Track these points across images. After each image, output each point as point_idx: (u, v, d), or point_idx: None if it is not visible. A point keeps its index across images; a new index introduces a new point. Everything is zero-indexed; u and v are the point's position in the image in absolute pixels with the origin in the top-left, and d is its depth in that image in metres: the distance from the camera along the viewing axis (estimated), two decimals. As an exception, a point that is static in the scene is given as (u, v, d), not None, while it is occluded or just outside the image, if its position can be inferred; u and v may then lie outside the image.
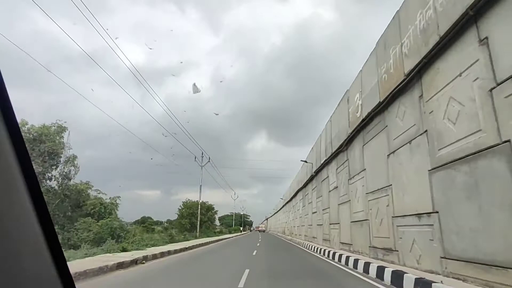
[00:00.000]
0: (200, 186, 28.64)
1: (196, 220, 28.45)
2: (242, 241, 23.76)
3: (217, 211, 36.15)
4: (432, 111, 5.37)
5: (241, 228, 65.45)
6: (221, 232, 41.75)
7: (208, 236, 27.04)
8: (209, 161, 28.62)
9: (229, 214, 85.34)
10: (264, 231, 69.65)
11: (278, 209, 49.54)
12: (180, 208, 31.86)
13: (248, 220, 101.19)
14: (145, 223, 28.08)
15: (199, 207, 28.24)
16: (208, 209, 33.99)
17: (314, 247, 14.08)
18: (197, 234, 24.35)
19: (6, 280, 0.54)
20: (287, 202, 34.17)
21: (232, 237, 33.24)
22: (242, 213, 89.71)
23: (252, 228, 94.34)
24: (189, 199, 32.68)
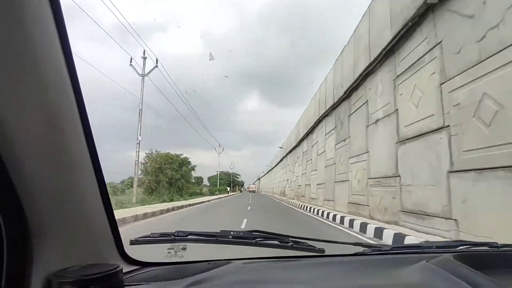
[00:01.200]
0: (140, 110, 15.62)
1: (165, 177, 23.26)
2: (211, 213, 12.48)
3: (194, 166, 28.45)
4: (402, 94, 6.43)
5: (229, 189, 55.85)
6: (201, 194, 33.76)
7: (172, 200, 18.89)
8: (156, 66, 16.62)
9: (220, 172, 76.38)
10: (254, 192, 68.25)
11: (273, 165, 45.62)
12: (143, 162, 24.11)
13: (238, 180, 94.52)
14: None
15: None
16: (182, 163, 26.45)
17: (301, 205, 15.87)
18: (134, 199, 16.25)
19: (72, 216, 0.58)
20: (284, 157, 30.49)
21: (208, 200, 20.99)
22: (231, 171, 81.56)
23: (243, 189, 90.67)
24: (157, 150, 25.24)
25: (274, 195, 38.63)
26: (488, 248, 0.87)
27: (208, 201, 20.63)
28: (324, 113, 13.75)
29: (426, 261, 0.69)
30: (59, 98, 0.52)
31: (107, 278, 0.57)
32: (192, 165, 27.98)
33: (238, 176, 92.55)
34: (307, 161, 18.18)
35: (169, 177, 23.88)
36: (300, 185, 20.74)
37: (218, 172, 60.21)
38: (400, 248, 0.93)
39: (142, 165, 23.50)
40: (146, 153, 24.28)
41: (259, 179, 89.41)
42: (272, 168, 48.17)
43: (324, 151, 13.90)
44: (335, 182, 11.71)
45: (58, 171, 0.54)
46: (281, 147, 30.84)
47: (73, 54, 0.55)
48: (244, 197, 32.56)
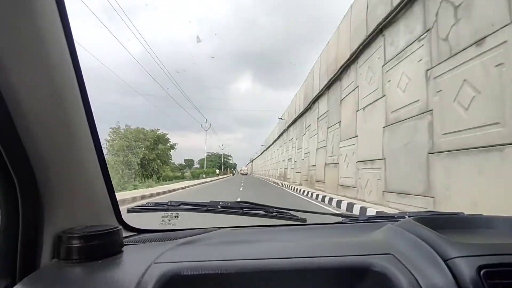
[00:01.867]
0: (206, 144, 20.38)
1: (135, 157, 19.17)
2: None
3: (174, 144, 24.34)
4: (390, 80, 6.63)
5: (218, 172, 48.06)
6: (182, 177, 28.73)
7: (135, 188, 14.43)
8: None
9: (209, 155, 69.60)
10: (246, 174, 66.26)
11: (269, 144, 39.89)
12: (108, 139, 19.59)
13: (230, 162, 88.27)
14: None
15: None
16: (157, 140, 22.45)
17: (293, 187, 16.29)
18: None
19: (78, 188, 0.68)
20: (285, 130, 24.73)
21: (183, 188, 15.21)
22: (221, 152, 75.05)
23: (235, 171, 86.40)
24: (127, 125, 20.50)
25: (270, 178, 34.14)
26: (453, 216, 0.91)
27: (183, 188, 14.94)
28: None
29: (391, 224, 0.76)
30: (63, 77, 0.60)
31: (109, 235, 0.67)
32: (171, 143, 22.97)
33: (229, 158, 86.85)
34: (329, 127, 12.02)
35: (141, 157, 19.88)
36: (313, 165, 14.43)
37: (206, 153, 53.94)
38: (376, 218, 0.99)
39: (107, 143, 19.68)
40: (111, 128, 19.60)
41: (252, 161, 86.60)
42: (268, 147, 42.19)
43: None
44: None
45: (63, 145, 0.63)
46: (280, 118, 25.62)
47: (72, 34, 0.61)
48: (235, 180, 28.27)
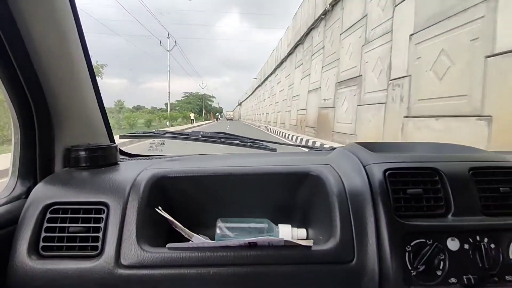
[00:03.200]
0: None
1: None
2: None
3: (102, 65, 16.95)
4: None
5: (192, 116, 34.58)
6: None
7: None
8: (175, 44, 24.51)
9: (186, 95, 53.36)
10: (232, 119, 60.42)
11: (262, 80, 31.40)
12: None
13: (213, 105, 71.59)
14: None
15: None
16: None
17: (279, 131, 15.35)
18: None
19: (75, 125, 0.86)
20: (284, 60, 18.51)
21: None
22: (202, 92, 58.65)
23: (220, 116, 76.17)
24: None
25: (267, 124, 24.57)
26: (389, 142, 1.05)
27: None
28: None
29: (341, 148, 0.94)
30: (66, 27, 0.77)
31: (108, 149, 0.86)
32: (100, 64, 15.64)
33: (211, 100, 69.25)
34: (324, 66, 10.10)
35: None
36: (303, 109, 12.23)
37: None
38: (336, 148, 1.06)
39: None
40: None
41: (240, 103, 78.32)
42: (263, 82, 30.88)
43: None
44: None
45: (67, 78, 0.81)
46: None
47: None
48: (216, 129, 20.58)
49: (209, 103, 64.77)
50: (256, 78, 36.69)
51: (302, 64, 14.14)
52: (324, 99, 10.32)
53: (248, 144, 1.03)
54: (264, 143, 1.06)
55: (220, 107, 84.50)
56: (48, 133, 0.78)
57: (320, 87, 10.97)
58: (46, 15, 0.70)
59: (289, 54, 16.37)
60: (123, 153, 1.04)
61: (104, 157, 0.84)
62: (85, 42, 0.83)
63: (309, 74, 12.65)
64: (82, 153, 0.81)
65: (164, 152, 1.16)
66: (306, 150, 1.20)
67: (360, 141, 0.91)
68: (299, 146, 1.30)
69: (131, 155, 1.05)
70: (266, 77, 27.17)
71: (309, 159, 0.85)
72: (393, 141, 1.08)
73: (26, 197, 0.71)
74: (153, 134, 1.06)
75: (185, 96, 55.40)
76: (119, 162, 0.89)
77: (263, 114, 30.33)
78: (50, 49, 0.72)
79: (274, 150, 1.04)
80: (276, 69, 22.16)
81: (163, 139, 1.16)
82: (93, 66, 0.90)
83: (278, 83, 20.93)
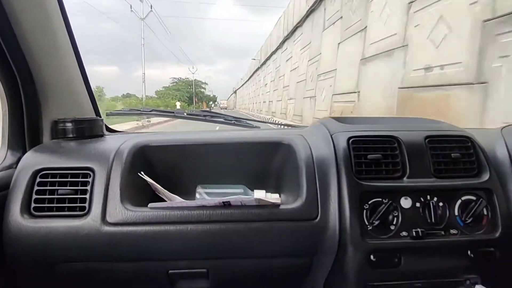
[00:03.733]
0: (143, 45, 21.10)
1: None
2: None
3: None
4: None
5: (179, 105, 30.66)
6: None
7: None
8: (151, 10, 22.43)
9: (175, 81, 46.83)
10: (226, 108, 58.92)
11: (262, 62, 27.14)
12: None
13: (206, 93, 62.63)
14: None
15: None
16: None
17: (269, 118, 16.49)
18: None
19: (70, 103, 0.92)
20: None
21: None
22: (193, 77, 52.06)
23: (214, 105, 69.01)
24: None
25: (263, 113, 23.39)
26: (361, 116, 1.15)
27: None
28: None
29: (316, 120, 0.98)
30: (48, 2, 0.81)
31: (94, 121, 0.92)
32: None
33: (204, 87, 60.55)
34: (310, 60, 10.83)
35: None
36: (291, 99, 12.86)
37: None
38: None
39: None
40: None
41: (235, 91, 75.47)
42: (264, 62, 26.41)
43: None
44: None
45: (52, 54, 0.84)
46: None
47: None
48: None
49: (202, 90, 58.68)
50: (255, 59, 32.04)
51: (341, 17, 8.50)
52: (308, 89, 11.62)
53: (232, 122, 1.08)
54: (248, 122, 1.10)
55: (214, 96, 77.77)
56: (34, 105, 0.81)
57: (305, 79, 12.25)
58: None
59: (311, 10, 11.60)
60: (110, 130, 1.06)
61: (90, 129, 0.89)
62: (67, 17, 0.86)
63: (298, 67, 13.86)
64: (69, 124, 0.85)
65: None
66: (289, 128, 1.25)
67: (334, 116, 0.97)
68: (284, 125, 1.20)
69: (117, 131, 1.07)
70: (269, 55, 22.64)
71: (285, 132, 0.92)
72: (364, 116, 1.20)
73: (17, 166, 0.74)
74: (139, 112, 1.16)
75: (173, 83, 48.27)
76: (105, 135, 0.93)
77: (264, 102, 25.46)
78: (33, 22, 0.76)
79: (257, 128, 1.08)
80: (284, 42, 17.39)
81: (149, 117, 1.19)
82: (93, 90, 1.00)
83: (288, 60, 16.16)
